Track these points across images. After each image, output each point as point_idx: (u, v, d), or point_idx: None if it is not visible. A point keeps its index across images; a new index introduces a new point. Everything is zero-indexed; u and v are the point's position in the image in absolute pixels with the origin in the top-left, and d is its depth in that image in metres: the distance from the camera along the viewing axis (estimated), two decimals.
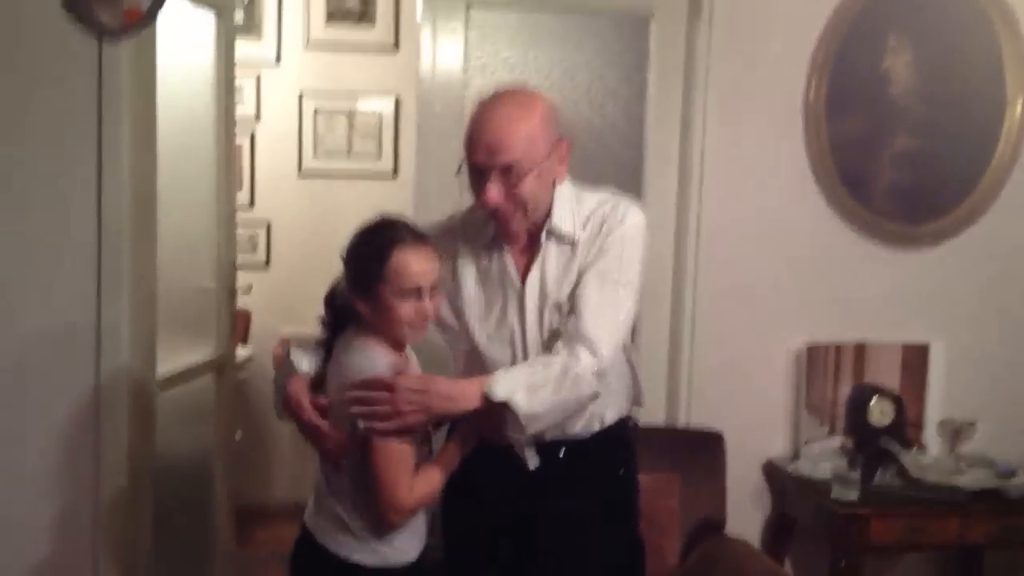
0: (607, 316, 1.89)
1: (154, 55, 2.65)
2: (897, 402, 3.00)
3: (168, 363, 2.87)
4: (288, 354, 1.99)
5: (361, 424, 1.77)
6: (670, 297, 3.16)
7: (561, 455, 1.98)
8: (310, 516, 1.95)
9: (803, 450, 3.12)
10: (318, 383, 1.93)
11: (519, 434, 1.82)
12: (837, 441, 3.08)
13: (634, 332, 2.00)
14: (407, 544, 1.91)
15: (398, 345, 1.89)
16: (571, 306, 1.91)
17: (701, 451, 2.95)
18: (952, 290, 3.23)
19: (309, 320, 2.02)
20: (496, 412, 1.79)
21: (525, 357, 1.95)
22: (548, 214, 1.94)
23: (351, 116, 4.83)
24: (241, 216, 3.69)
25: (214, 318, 3.23)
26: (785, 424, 3.17)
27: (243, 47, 3.88)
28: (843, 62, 3.07)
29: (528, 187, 1.86)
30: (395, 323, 1.83)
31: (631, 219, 1.95)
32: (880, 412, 2.97)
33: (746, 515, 3.09)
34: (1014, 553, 3.19)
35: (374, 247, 1.83)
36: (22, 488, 2.60)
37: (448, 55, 3.07)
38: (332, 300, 1.95)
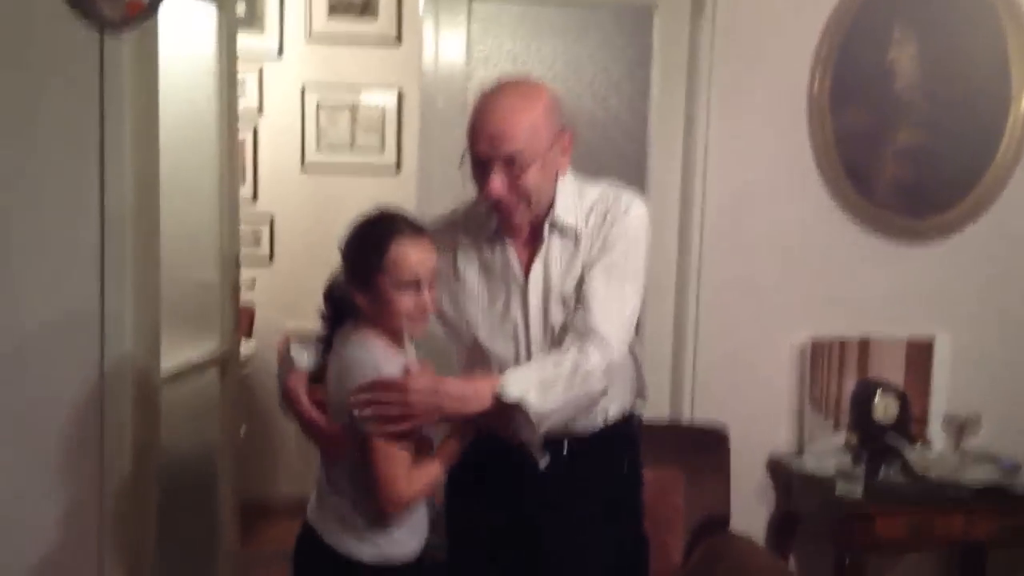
0: (615, 311, 1.88)
1: (156, 47, 2.64)
2: (901, 398, 2.99)
3: (172, 358, 2.86)
4: (288, 349, 1.99)
5: (371, 427, 1.76)
6: (674, 292, 3.15)
7: (564, 451, 1.97)
8: (312, 511, 1.95)
9: (807, 446, 3.11)
10: (318, 377, 1.93)
11: (532, 434, 1.81)
12: (841, 437, 3.07)
13: (638, 326, 1.98)
14: (407, 539, 1.91)
15: (396, 338, 1.89)
16: (577, 301, 1.90)
17: (705, 447, 2.94)
18: (957, 285, 3.21)
19: (313, 315, 2.01)
20: (507, 411, 1.78)
21: (528, 351, 1.95)
22: (551, 206, 1.93)
23: (354, 110, 4.83)
24: (244, 211, 3.68)
25: (218, 313, 3.22)
26: (789, 420, 3.16)
27: (245, 40, 3.88)
28: (847, 55, 3.05)
29: (531, 178, 1.85)
30: (394, 315, 1.83)
31: (634, 211, 1.94)
32: (884, 408, 2.96)
33: (750, 511, 3.09)
34: (1019, 550, 3.18)
35: (373, 239, 1.82)
36: (26, 481, 2.60)
37: (451, 48, 3.06)
38: (331, 294, 1.95)
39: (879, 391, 2.98)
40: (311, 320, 2.03)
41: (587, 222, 1.94)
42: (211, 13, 3.09)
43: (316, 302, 2.00)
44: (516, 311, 1.96)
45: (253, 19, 4.70)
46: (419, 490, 1.84)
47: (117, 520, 2.63)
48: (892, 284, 3.18)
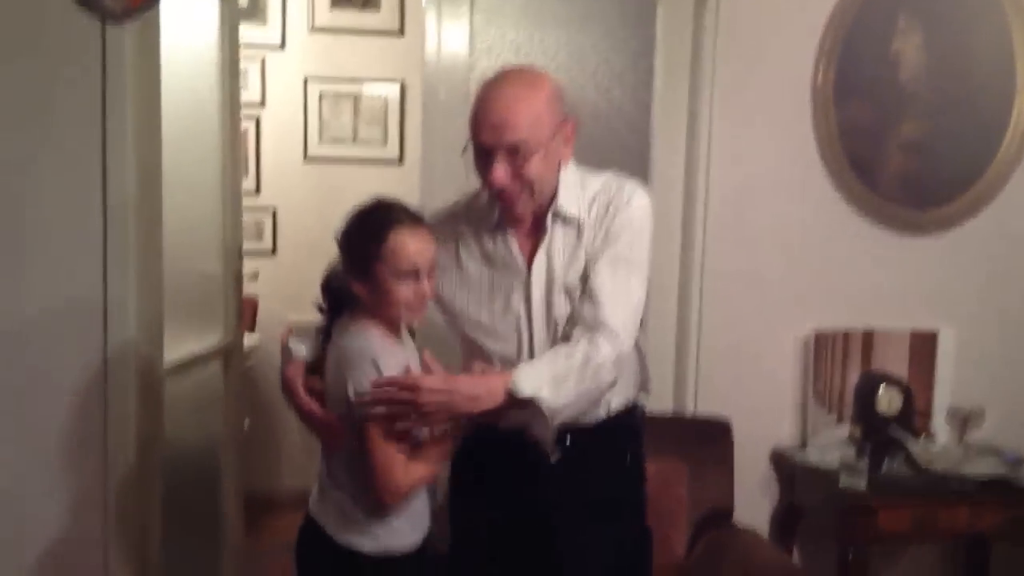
0: (623, 303, 1.88)
1: (158, 38, 2.63)
2: (905, 390, 2.99)
3: (176, 350, 2.86)
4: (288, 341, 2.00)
5: (383, 426, 1.76)
6: (677, 284, 3.14)
7: (567, 443, 1.96)
8: (313, 504, 1.96)
9: (811, 439, 3.10)
10: (317, 367, 1.94)
11: (545, 429, 1.81)
12: (845, 430, 3.07)
13: (641, 318, 1.98)
14: (407, 530, 1.92)
15: (394, 327, 1.89)
16: (583, 292, 1.90)
17: (709, 440, 2.94)
18: (961, 277, 3.20)
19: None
20: (520, 407, 1.78)
21: (531, 342, 1.94)
22: (553, 197, 1.93)
23: (356, 101, 4.82)
24: (247, 203, 3.68)
25: (221, 305, 3.22)
26: (793, 412, 3.16)
27: (247, 31, 3.88)
28: (851, 46, 3.04)
29: (534, 168, 1.85)
30: (392, 305, 1.83)
31: (637, 201, 1.94)
32: (888, 400, 2.95)
33: (754, 504, 3.08)
34: (1023, 543, 3.17)
35: (371, 228, 1.83)
36: (30, 473, 2.60)
37: (453, 38, 3.05)
38: (329, 285, 1.95)
39: (883, 384, 2.97)
40: (314, 312, 2.03)
41: (590, 212, 1.94)
42: (213, 4, 3.08)
43: (318, 294, 2.00)
44: (518, 302, 1.95)
45: (255, 10, 4.70)
46: (417, 480, 1.84)
47: (122, 512, 2.63)
48: (896, 277, 3.17)
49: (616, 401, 2.01)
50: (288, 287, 4.62)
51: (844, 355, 3.13)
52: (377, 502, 1.84)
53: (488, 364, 1.93)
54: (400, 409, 1.74)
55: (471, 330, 2.01)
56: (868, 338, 3.13)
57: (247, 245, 3.48)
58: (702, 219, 3.05)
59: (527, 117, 1.82)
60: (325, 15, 4.77)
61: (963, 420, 3.10)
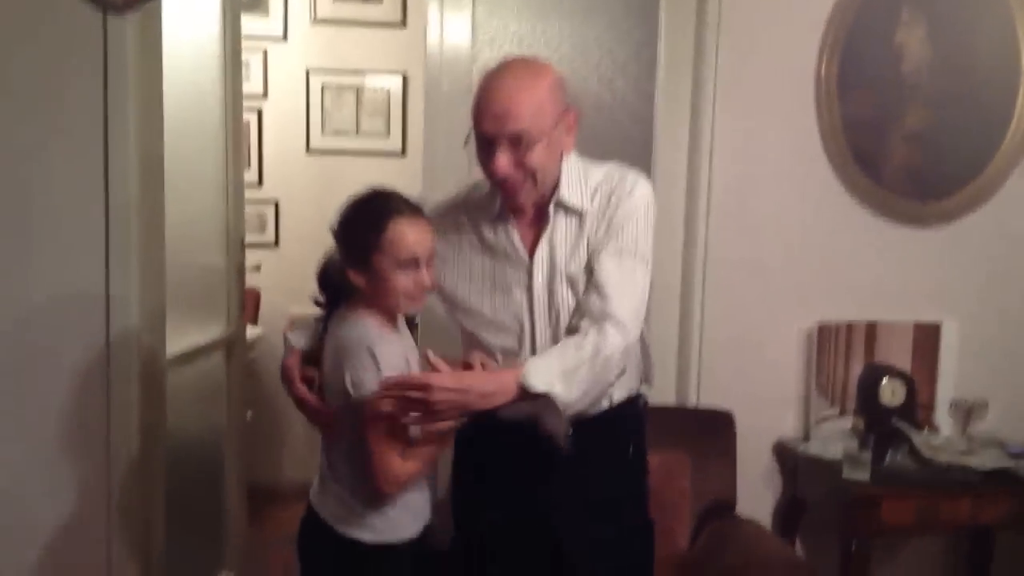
0: (630, 293, 1.88)
1: (160, 30, 2.62)
2: (908, 382, 2.98)
3: (178, 341, 2.86)
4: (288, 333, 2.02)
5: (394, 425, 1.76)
6: (680, 276, 3.13)
7: (569, 435, 1.96)
8: (315, 495, 1.97)
9: (814, 430, 3.10)
10: (316, 357, 1.94)
11: (559, 422, 1.81)
12: (848, 421, 3.07)
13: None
14: (405, 520, 1.92)
15: (391, 317, 1.90)
16: (589, 284, 1.90)
17: (711, 431, 2.94)
18: (964, 269, 3.20)
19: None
20: (531, 401, 1.78)
21: (532, 333, 1.94)
22: (555, 187, 1.93)
23: (359, 93, 4.81)
24: (249, 195, 3.67)
25: (223, 296, 3.22)
26: (796, 404, 3.15)
27: (249, 23, 3.87)
28: (855, 38, 3.03)
29: (537, 157, 1.84)
30: (391, 294, 1.84)
31: (639, 191, 1.94)
32: (891, 392, 2.95)
33: (757, 496, 3.08)
34: None
35: (370, 218, 1.83)
36: (33, 463, 2.60)
37: (456, 30, 3.05)
38: (325, 276, 1.95)
39: (886, 376, 2.97)
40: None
41: (592, 202, 1.93)
42: None
43: (315, 288, 2.01)
44: (520, 293, 1.95)
45: (257, 2, 4.70)
46: (415, 469, 1.84)
47: (124, 503, 2.64)
48: (899, 269, 3.16)
49: (619, 392, 2.00)
50: (290, 279, 4.61)
51: (847, 347, 3.12)
52: (376, 492, 1.84)
53: (486, 356, 1.93)
54: (411, 408, 1.74)
55: (472, 322, 2.01)
56: (871, 330, 3.13)
57: (249, 237, 3.48)
58: (705, 211, 3.05)
59: (529, 106, 1.82)
60: (327, 6, 4.76)
61: (966, 412, 3.10)
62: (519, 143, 1.82)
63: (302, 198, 4.77)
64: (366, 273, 1.83)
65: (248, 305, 3.92)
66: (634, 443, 2.09)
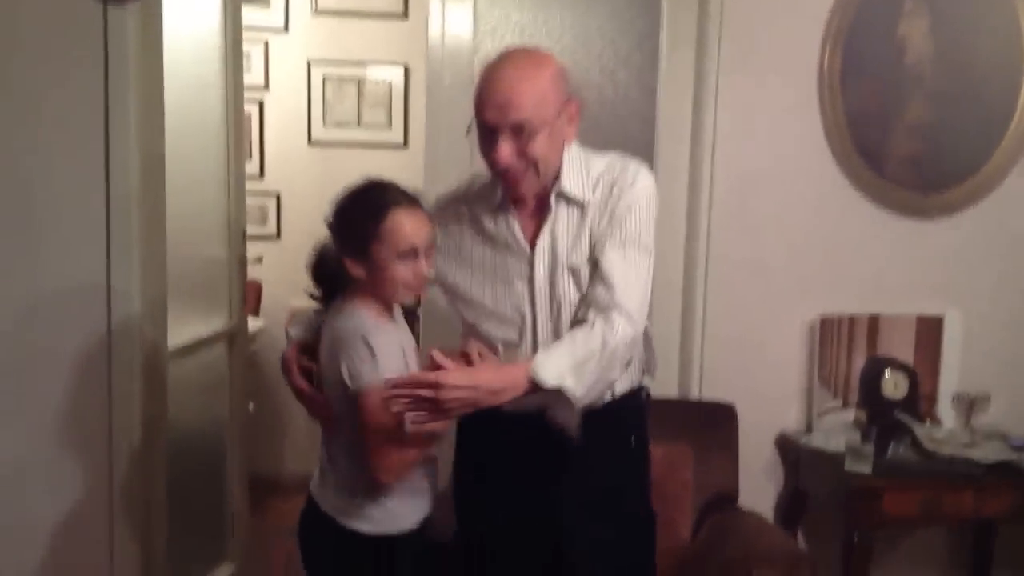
0: (635, 283, 1.88)
1: (161, 20, 2.62)
2: (911, 375, 2.98)
3: (180, 333, 2.86)
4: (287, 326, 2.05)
5: (409, 424, 1.76)
6: (682, 269, 3.12)
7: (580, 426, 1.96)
8: (315, 486, 1.99)
9: (816, 423, 3.10)
10: (314, 349, 1.96)
11: (571, 415, 1.81)
12: (850, 414, 3.06)
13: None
14: (404, 511, 1.94)
15: (387, 307, 1.91)
16: (593, 276, 1.89)
17: (714, 424, 2.93)
18: (967, 261, 3.19)
19: None
20: (542, 394, 1.78)
21: (534, 324, 1.94)
22: (556, 177, 1.92)
23: (360, 85, 4.80)
24: (251, 187, 3.67)
25: (225, 288, 3.22)
26: (798, 397, 3.15)
27: (250, 14, 3.85)
28: (858, 29, 3.02)
29: (539, 146, 1.84)
30: (390, 284, 1.85)
31: (641, 182, 1.93)
32: (894, 385, 2.95)
33: (759, 488, 3.08)
34: None
35: (369, 208, 1.83)
36: (35, 452, 2.60)
37: (457, 20, 3.04)
38: (320, 269, 1.95)
39: (888, 368, 2.97)
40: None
41: (594, 193, 1.93)
42: None
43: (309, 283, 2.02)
44: (521, 284, 1.95)
45: None
46: (411, 459, 1.84)
47: (126, 494, 2.64)
48: (902, 261, 3.15)
49: (621, 384, 2.00)
50: (292, 271, 4.55)
51: (850, 340, 3.12)
52: (373, 482, 1.85)
53: (483, 346, 1.93)
54: (422, 407, 1.73)
55: (473, 313, 2.01)
56: (874, 322, 3.12)
57: (251, 229, 3.47)
58: (707, 203, 3.04)
59: (532, 96, 1.82)
60: None
61: (969, 405, 3.10)
62: (521, 133, 1.82)
63: (304, 190, 4.76)
64: (365, 263, 1.83)
65: (250, 297, 3.91)
66: (636, 435, 2.09)
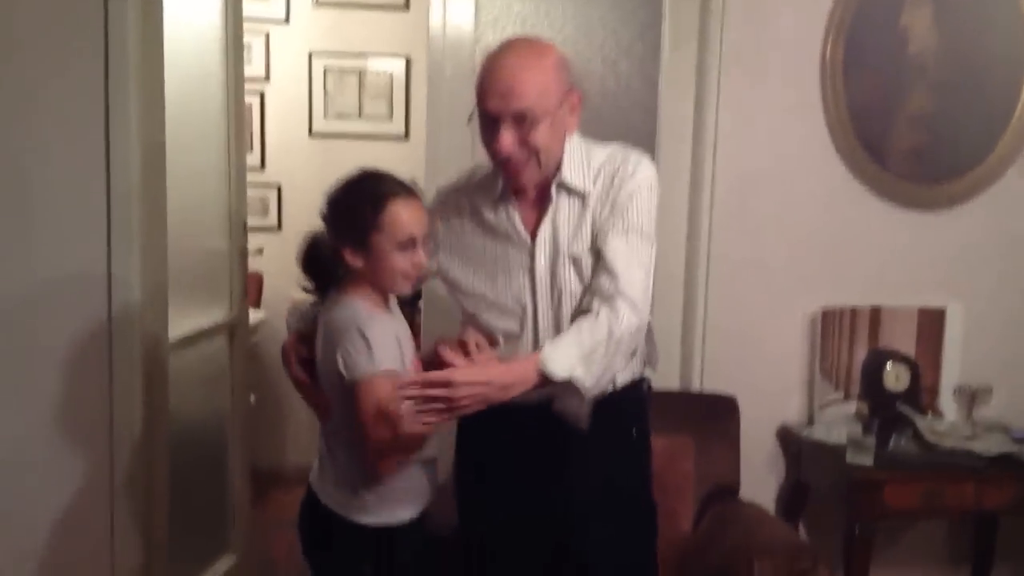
0: (638, 272, 1.87)
1: (161, 10, 2.61)
2: (913, 367, 2.98)
3: (181, 324, 2.86)
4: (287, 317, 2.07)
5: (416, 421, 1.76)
6: (684, 260, 3.11)
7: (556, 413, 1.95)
8: (314, 477, 2.00)
9: (818, 415, 3.09)
10: (311, 339, 1.97)
11: (580, 405, 1.82)
12: (852, 406, 3.06)
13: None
14: (403, 503, 1.94)
15: (383, 297, 1.91)
16: (597, 265, 1.89)
17: (715, 415, 2.93)
18: (969, 253, 3.18)
19: None
20: (551, 386, 1.78)
21: (535, 315, 1.94)
22: (558, 168, 1.92)
23: (362, 76, 4.79)
24: (252, 179, 3.67)
25: (226, 280, 3.22)
26: (800, 389, 3.15)
27: (251, 5, 3.84)
28: (861, 19, 3.00)
29: (540, 136, 1.84)
30: (389, 274, 1.86)
31: (643, 172, 1.93)
32: (895, 377, 2.95)
33: (760, 480, 3.08)
34: None
35: (368, 198, 1.84)
36: (35, 444, 2.61)
37: (458, 11, 3.03)
38: (313, 261, 1.96)
39: (890, 360, 2.96)
40: None
41: (595, 184, 1.93)
42: None
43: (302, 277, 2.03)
44: (522, 274, 1.95)
45: None
46: (409, 449, 1.84)
47: (128, 485, 2.64)
48: (904, 253, 3.15)
49: (622, 376, 2.00)
50: (293, 263, 4.51)
51: (852, 332, 3.11)
52: (371, 472, 1.85)
53: (480, 335, 1.93)
54: (435, 405, 1.72)
55: (474, 304, 2.01)
56: (876, 315, 3.12)
57: (252, 221, 3.47)
58: (709, 194, 3.03)
59: (534, 85, 1.82)
60: None
61: (971, 397, 3.09)
62: (523, 121, 1.82)
63: (305, 182, 4.75)
64: (364, 253, 1.84)
65: (251, 289, 3.91)
66: (637, 426, 2.09)
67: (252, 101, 4.57)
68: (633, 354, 1.93)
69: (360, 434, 1.81)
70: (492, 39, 2.97)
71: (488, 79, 1.85)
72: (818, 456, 2.95)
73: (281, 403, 4.59)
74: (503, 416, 1.79)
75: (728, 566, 2.47)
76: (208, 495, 3.21)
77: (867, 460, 2.77)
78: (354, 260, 1.85)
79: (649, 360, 2.12)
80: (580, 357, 1.76)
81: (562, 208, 1.93)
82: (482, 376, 1.75)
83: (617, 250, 1.87)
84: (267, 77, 4.75)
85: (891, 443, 2.87)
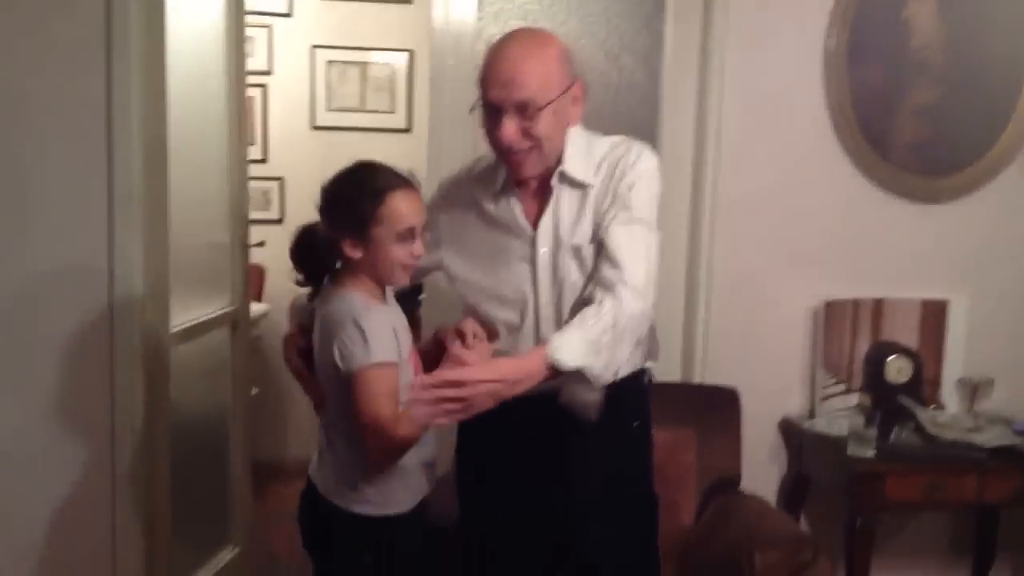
0: (641, 260, 1.86)
1: (163, 3, 2.61)
2: (915, 359, 2.97)
3: (183, 317, 2.87)
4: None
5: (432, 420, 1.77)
6: (686, 253, 3.11)
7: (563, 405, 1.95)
8: (313, 469, 2.00)
9: (820, 407, 3.10)
10: (309, 331, 1.97)
11: (591, 394, 1.83)
12: (854, 398, 3.06)
13: None
14: (402, 494, 1.95)
15: (379, 289, 1.92)
16: (599, 254, 1.88)
17: (717, 408, 2.93)
18: (972, 246, 3.18)
19: None
20: (560, 377, 1.77)
21: (536, 306, 1.94)
22: (560, 159, 1.92)
23: (364, 69, 4.79)
24: (254, 171, 3.67)
25: (228, 273, 3.22)
26: (802, 381, 3.15)
27: None
28: (864, 10, 3.00)
29: (543, 125, 1.84)
30: (387, 264, 1.86)
31: (644, 162, 1.93)
32: (897, 370, 2.94)
33: (762, 472, 3.08)
34: None
35: (369, 190, 1.84)
36: (36, 436, 2.61)
37: (461, 4, 3.02)
38: (303, 253, 1.95)
39: (893, 353, 2.96)
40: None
41: (597, 175, 1.93)
42: None
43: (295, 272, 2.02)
44: (523, 266, 1.95)
45: None
46: (405, 437, 1.84)
47: (129, 478, 2.65)
48: (907, 245, 3.15)
49: (624, 367, 1.99)
50: None
51: (854, 324, 3.11)
52: (370, 463, 1.86)
53: (477, 324, 1.93)
54: (450, 407, 1.71)
55: (475, 296, 2.01)
56: (878, 307, 3.12)
57: (254, 214, 3.48)
58: (711, 186, 3.03)
59: (536, 75, 1.82)
60: None
61: (973, 389, 3.10)
62: (525, 111, 1.82)
63: (307, 175, 4.73)
64: (363, 245, 1.84)
65: (252, 282, 3.91)
66: (638, 418, 2.09)
67: (254, 94, 4.57)
68: (639, 342, 1.92)
69: (358, 425, 1.81)
70: (495, 32, 2.96)
71: (491, 68, 1.85)
72: (820, 448, 2.96)
73: (282, 396, 4.60)
74: (503, 416, 1.79)
75: (729, 558, 2.47)
76: (209, 487, 3.22)
77: (869, 452, 2.77)
78: (353, 251, 1.85)
79: (650, 352, 2.11)
80: (588, 346, 1.76)
81: (563, 199, 1.93)
82: (494, 373, 1.74)
83: (619, 239, 1.86)
84: (269, 70, 4.75)
85: (893, 435, 2.87)
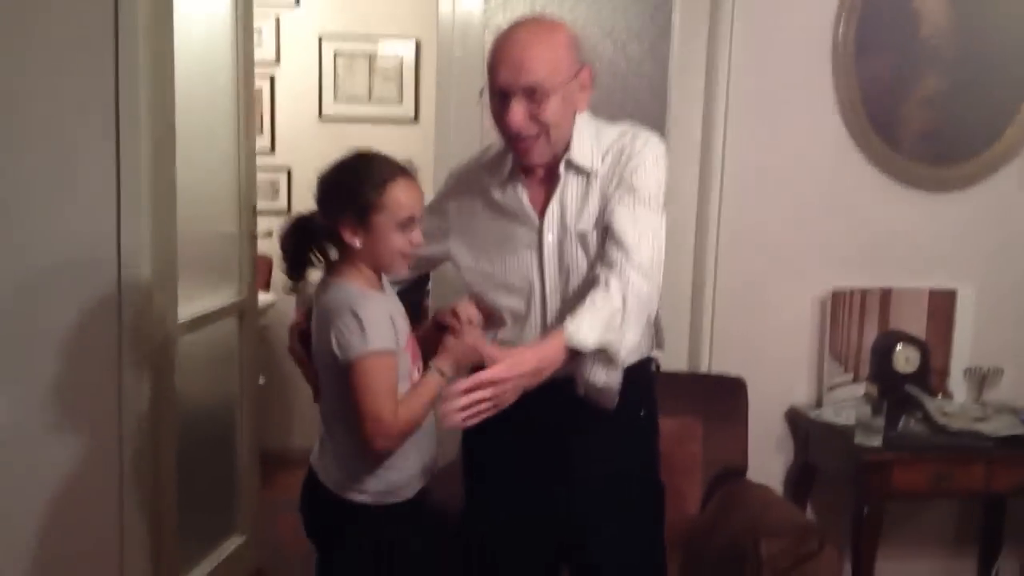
0: (647, 242, 1.85)
1: None
2: (922, 349, 2.97)
3: (191, 306, 2.88)
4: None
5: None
6: (693, 241, 3.11)
7: (582, 394, 1.95)
8: (314, 457, 2.02)
9: (827, 397, 3.09)
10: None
11: (612, 375, 1.83)
12: (861, 388, 3.06)
13: None
14: (401, 482, 1.95)
15: (377, 277, 1.93)
16: (606, 238, 1.88)
17: (723, 396, 2.93)
18: (980, 235, 3.17)
19: None
20: (578, 361, 1.78)
21: (542, 293, 1.94)
22: (567, 146, 1.92)
23: (372, 59, 4.79)
24: (262, 162, 3.67)
25: (235, 263, 3.23)
26: (809, 370, 3.14)
27: None
28: (874, 1, 2.98)
29: (551, 110, 1.84)
30: (387, 252, 1.87)
31: (651, 149, 1.92)
32: (905, 359, 2.94)
33: (768, 461, 3.08)
34: None
35: (371, 179, 1.85)
36: (43, 424, 2.62)
37: None
38: (294, 241, 1.97)
39: (900, 342, 2.96)
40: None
41: (603, 162, 1.92)
42: None
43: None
44: (530, 253, 1.94)
45: None
46: (404, 424, 1.85)
47: (136, 466, 2.66)
48: (915, 234, 3.13)
49: (630, 356, 1.99)
50: None
51: (861, 313, 3.11)
52: (369, 449, 1.86)
53: (474, 307, 1.94)
54: (483, 406, 1.70)
55: (481, 283, 2.00)
56: (886, 296, 3.11)
57: (261, 204, 3.48)
58: (719, 175, 3.02)
59: (544, 60, 1.82)
60: None
61: (981, 379, 3.09)
62: (533, 95, 1.82)
63: (314, 165, 4.65)
64: (363, 233, 1.84)
65: (260, 272, 3.92)
66: (645, 406, 2.09)
67: (262, 84, 4.57)
68: (647, 328, 1.91)
69: (357, 412, 1.82)
70: (502, 21, 2.96)
71: (499, 54, 1.85)
72: (827, 437, 2.95)
73: (289, 386, 4.60)
74: (504, 416, 1.79)
75: (736, 547, 2.47)
76: (216, 476, 3.23)
77: (876, 442, 2.76)
78: (352, 239, 1.86)
79: (656, 341, 2.11)
80: (602, 326, 1.75)
81: (570, 186, 1.93)
82: (524, 367, 1.73)
83: (624, 221, 1.86)
84: (277, 60, 4.75)
85: (900, 425, 2.87)
